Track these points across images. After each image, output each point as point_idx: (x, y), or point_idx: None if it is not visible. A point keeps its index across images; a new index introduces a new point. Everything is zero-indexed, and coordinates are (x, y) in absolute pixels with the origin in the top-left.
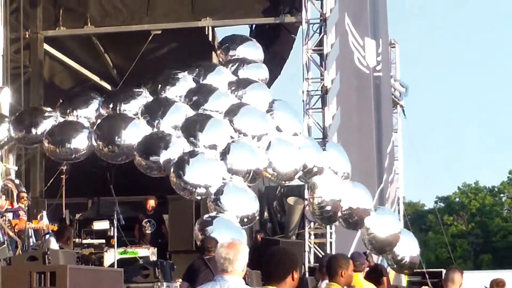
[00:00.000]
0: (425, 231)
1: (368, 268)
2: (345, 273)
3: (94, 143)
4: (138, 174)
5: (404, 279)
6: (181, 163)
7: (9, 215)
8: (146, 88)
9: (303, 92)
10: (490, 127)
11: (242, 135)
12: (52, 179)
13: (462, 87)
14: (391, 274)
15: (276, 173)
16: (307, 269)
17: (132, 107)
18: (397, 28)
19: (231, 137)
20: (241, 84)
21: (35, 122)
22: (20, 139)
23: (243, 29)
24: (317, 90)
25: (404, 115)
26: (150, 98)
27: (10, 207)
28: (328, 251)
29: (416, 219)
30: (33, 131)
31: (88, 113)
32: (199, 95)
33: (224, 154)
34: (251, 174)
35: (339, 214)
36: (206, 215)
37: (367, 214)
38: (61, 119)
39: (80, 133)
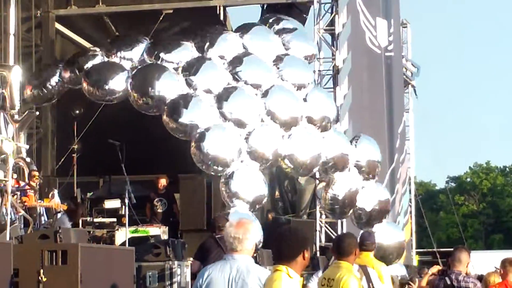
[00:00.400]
0: (436, 211)
1: None
2: (357, 252)
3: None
4: (150, 153)
5: (415, 259)
6: (202, 136)
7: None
8: (194, 43)
9: (314, 71)
10: (502, 107)
11: (270, 116)
12: (63, 158)
13: (474, 67)
14: (403, 256)
15: (294, 164)
16: (318, 248)
17: (174, 59)
18: (408, 8)
19: (261, 118)
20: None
21: (82, 62)
22: (69, 81)
23: (255, 9)
24: (328, 69)
25: (416, 95)
26: (195, 54)
27: (17, 185)
28: (339, 231)
29: (427, 199)
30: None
31: (132, 56)
32: (242, 65)
33: (248, 135)
34: (269, 163)
35: (351, 211)
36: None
37: (381, 216)
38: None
39: (117, 75)
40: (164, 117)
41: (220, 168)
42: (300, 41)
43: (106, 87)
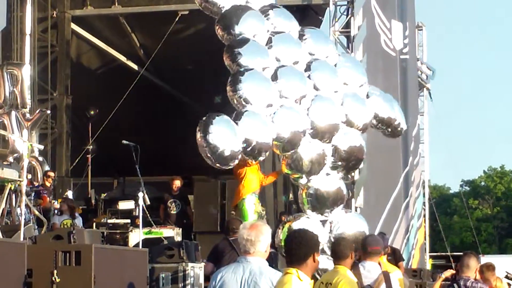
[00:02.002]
0: (450, 215)
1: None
2: (353, 256)
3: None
4: (164, 155)
5: (429, 263)
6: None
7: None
8: None
9: None
10: None
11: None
12: (78, 159)
13: (489, 70)
14: (415, 258)
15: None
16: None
17: None
18: (424, 10)
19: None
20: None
21: None
22: None
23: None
24: None
25: (431, 98)
26: None
27: (30, 186)
28: None
29: (441, 202)
30: None
31: None
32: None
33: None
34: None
35: None
36: None
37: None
38: None
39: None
40: None
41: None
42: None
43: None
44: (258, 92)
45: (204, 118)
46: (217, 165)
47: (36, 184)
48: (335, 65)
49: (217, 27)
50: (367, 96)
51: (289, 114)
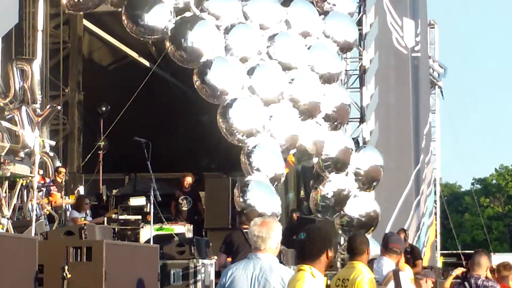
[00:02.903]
0: (461, 213)
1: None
2: (369, 251)
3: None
4: (175, 151)
5: (440, 260)
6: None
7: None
8: None
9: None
10: None
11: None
12: (89, 155)
13: (501, 68)
14: (426, 255)
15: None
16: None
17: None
18: (436, 8)
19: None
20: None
21: None
22: None
23: None
24: (355, 69)
25: (442, 96)
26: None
27: (43, 182)
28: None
29: (453, 200)
30: None
31: None
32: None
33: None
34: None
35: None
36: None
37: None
38: None
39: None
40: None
41: (243, 138)
42: None
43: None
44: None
45: None
46: None
47: (47, 180)
48: None
49: None
50: None
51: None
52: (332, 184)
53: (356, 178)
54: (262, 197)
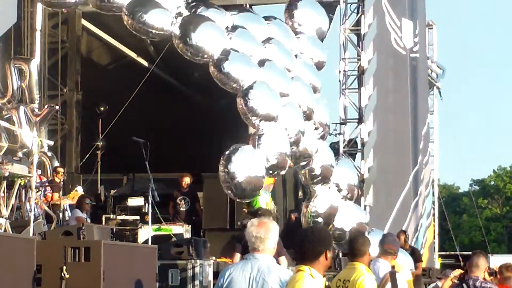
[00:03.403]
0: (460, 214)
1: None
2: (369, 252)
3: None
4: (174, 151)
5: (438, 262)
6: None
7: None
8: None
9: (339, 72)
10: None
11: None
12: (88, 155)
13: (500, 69)
14: (425, 256)
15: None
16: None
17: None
18: (435, 9)
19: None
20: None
21: None
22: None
23: (281, 7)
24: (353, 70)
25: (441, 97)
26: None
27: (40, 181)
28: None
29: (451, 201)
30: None
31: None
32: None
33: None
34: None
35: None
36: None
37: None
38: None
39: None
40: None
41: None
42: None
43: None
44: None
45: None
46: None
47: (44, 179)
48: None
49: None
50: None
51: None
52: (320, 200)
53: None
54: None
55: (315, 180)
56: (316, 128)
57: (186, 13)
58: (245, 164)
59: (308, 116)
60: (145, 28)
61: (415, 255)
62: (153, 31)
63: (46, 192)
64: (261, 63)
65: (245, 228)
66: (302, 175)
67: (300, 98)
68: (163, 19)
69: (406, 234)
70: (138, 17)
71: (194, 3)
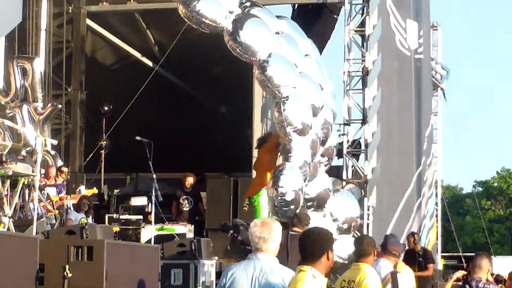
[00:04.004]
0: (463, 215)
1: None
2: (375, 253)
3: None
4: (177, 151)
5: (441, 263)
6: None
7: (49, 190)
8: None
9: (344, 72)
10: None
11: None
12: (91, 154)
13: (504, 70)
14: None
15: None
16: None
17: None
18: (439, 10)
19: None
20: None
21: None
22: None
23: (286, 8)
24: (358, 71)
25: (445, 98)
26: None
27: (46, 182)
28: (365, 233)
29: (454, 203)
30: None
31: None
32: None
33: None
34: None
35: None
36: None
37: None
38: None
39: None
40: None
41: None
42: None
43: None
44: None
45: None
46: None
47: (59, 180)
48: None
49: None
50: None
51: None
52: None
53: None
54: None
55: (309, 204)
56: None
57: (238, 11)
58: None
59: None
60: (198, 18)
61: (427, 256)
62: (206, 21)
63: (59, 195)
64: (300, 73)
65: (237, 228)
66: None
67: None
68: (218, 11)
69: (415, 236)
70: (193, 6)
71: (247, 4)
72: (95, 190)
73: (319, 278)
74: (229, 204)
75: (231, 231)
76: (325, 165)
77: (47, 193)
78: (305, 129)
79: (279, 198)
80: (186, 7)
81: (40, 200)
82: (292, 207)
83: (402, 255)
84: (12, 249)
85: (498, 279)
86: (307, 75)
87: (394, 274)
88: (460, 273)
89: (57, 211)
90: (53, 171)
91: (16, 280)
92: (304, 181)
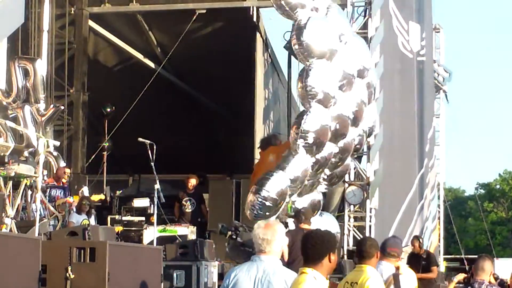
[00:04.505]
0: (465, 218)
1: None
2: (378, 255)
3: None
4: (180, 153)
5: (443, 265)
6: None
7: (55, 191)
8: None
9: None
10: None
11: None
12: (93, 155)
13: (506, 73)
14: None
15: None
16: (345, 252)
17: None
18: (441, 12)
19: None
20: None
21: None
22: None
23: None
24: None
25: (447, 100)
26: None
27: (55, 183)
28: (367, 235)
29: (456, 205)
30: None
31: None
32: None
33: None
34: None
35: None
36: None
37: None
38: None
39: None
40: None
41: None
42: None
43: None
44: None
45: None
46: None
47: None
48: None
49: None
50: None
51: None
52: None
53: None
54: None
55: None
56: None
57: (322, 9)
58: None
59: None
60: (288, 10)
61: (430, 259)
62: (294, 14)
63: (67, 198)
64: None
65: (236, 230)
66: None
67: None
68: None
69: (420, 239)
70: None
71: (328, 7)
72: (102, 196)
73: (319, 279)
74: (231, 205)
75: (230, 234)
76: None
77: (51, 195)
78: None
79: (259, 199)
80: None
81: (42, 202)
82: (267, 213)
83: (406, 257)
84: (14, 250)
85: (502, 284)
86: None
87: (396, 276)
88: (461, 276)
89: (60, 213)
90: (61, 172)
91: (19, 281)
92: (290, 196)
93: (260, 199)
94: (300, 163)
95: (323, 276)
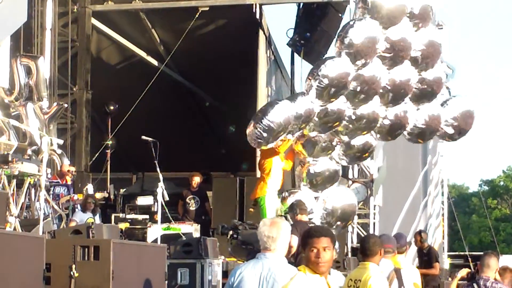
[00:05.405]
0: (469, 214)
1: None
2: (381, 252)
3: None
4: (183, 150)
5: (447, 262)
6: None
7: (59, 189)
8: None
9: None
10: None
11: None
12: (97, 154)
13: (509, 69)
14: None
15: None
16: (349, 249)
17: None
18: (444, 9)
19: None
20: None
21: None
22: None
23: (291, 8)
24: None
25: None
26: None
27: (59, 181)
28: (372, 232)
29: (460, 202)
30: None
31: None
32: None
33: None
34: None
35: None
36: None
37: None
38: None
39: None
40: None
41: None
42: None
43: None
44: None
45: None
46: None
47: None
48: None
49: None
50: None
51: None
52: None
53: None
54: None
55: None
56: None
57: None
58: None
59: None
60: None
61: (430, 254)
62: None
63: (71, 195)
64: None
65: (236, 229)
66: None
67: None
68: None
69: (421, 234)
70: None
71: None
72: (105, 194)
73: (310, 276)
74: (235, 203)
75: (231, 233)
76: None
77: (55, 192)
78: None
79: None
80: None
81: (46, 200)
82: (265, 135)
83: (408, 248)
84: (18, 249)
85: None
86: None
87: (397, 271)
88: (464, 271)
89: (64, 212)
90: (65, 170)
91: (23, 280)
92: (292, 132)
93: (265, 123)
94: (307, 102)
95: (317, 272)
